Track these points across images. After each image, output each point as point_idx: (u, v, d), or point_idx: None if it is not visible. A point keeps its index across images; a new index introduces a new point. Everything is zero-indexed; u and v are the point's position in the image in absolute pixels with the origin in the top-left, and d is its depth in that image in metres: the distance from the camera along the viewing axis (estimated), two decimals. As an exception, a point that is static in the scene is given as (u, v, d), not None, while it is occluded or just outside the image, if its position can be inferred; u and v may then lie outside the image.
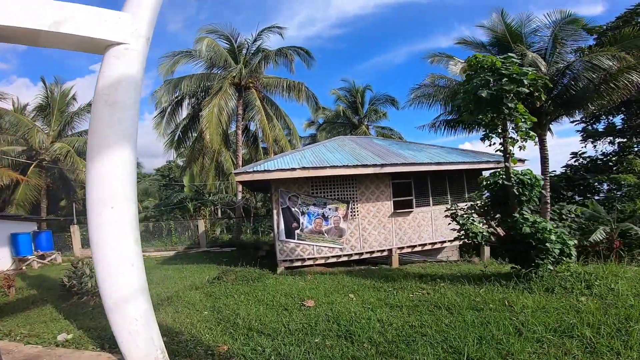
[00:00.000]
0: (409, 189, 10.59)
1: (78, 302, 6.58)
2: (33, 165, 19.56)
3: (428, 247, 10.78)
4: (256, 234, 20.11)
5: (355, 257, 10.07)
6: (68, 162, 19.90)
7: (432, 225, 10.77)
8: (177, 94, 18.75)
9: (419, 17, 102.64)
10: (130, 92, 3.34)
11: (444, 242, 10.95)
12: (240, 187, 18.63)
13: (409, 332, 4.26)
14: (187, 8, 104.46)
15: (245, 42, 19.32)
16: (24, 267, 12.95)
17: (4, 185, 17.99)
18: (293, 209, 9.54)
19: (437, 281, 6.82)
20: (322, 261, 9.82)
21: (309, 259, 9.68)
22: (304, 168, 9.08)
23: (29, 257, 13.27)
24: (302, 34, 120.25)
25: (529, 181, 6.42)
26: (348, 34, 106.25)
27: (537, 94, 6.48)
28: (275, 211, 9.57)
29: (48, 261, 13.88)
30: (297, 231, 9.54)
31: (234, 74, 17.68)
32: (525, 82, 6.04)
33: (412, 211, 10.47)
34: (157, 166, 37.44)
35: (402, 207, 10.41)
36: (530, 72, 6.12)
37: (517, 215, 6.25)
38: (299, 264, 9.64)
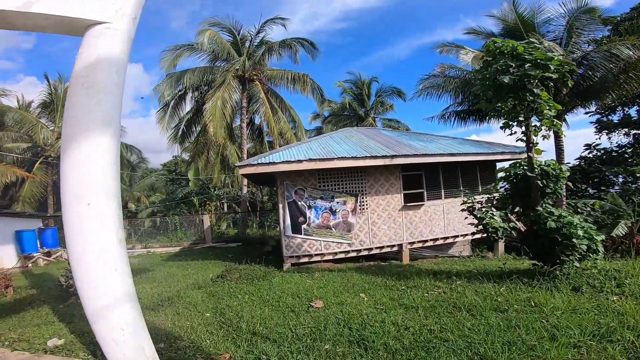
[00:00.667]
0: (420, 181, 10.17)
1: (76, 303, 6.24)
2: (38, 162, 19.49)
3: (440, 241, 10.38)
4: (262, 229, 19.85)
5: (365, 253, 9.71)
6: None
7: (444, 219, 10.35)
8: (179, 88, 18.52)
9: (423, 10, 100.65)
10: (110, 74, 2.96)
11: (457, 236, 10.54)
12: (245, 181, 18.39)
13: (428, 337, 3.90)
14: (191, 4, 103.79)
15: (249, 35, 19.00)
16: (29, 265, 12.84)
17: (9, 182, 17.94)
18: (299, 203, 9.19)
19: (452, 279, 6.44)
20: (330, 257, 9.49)
21: (316, 254, 9.35)
22: (310, 160, 8.70)
23: (35, 255, 13.13)
24: (305, 28, 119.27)
25: (553, 172, 5.96)
26: (352, 27, 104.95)
27: (564, 79, 6.01)
28: (280, 205, 9.23)
29: (54, 258, 13.74)
30: (304, 226, 9.20)
31: (238, 67, 17.42)
32: (552, 67, 5.60)
33: (423, 204, 10.05)
34: (163, 161, 37.42)
35: (412, 200, 10.00)
36: (555, 58, 5.67)
37: (541, 209, 5.81)
38: (305, 260, 9.31)
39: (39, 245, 13.47)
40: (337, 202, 9.44)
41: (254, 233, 18.36)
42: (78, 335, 4.37)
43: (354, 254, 9.63)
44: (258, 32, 18.83)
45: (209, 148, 19.38)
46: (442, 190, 10.43)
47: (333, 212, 9.40)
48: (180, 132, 19.68)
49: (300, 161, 8.65)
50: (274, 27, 19.03)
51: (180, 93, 18.89)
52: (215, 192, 24.22)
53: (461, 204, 6.74)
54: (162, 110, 18.90)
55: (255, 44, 19.18)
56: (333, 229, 9.38)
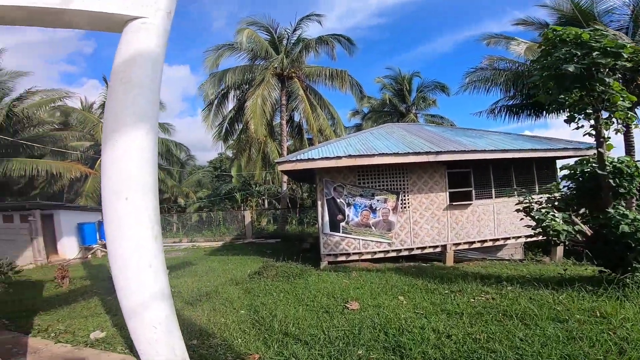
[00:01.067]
0: (468, 179, 9.49)
1: None
2: (99, 159, 21.19)
3: (489, 243, 9.64)
4: (301, 225, 19.95)
5: (405, 253, 9.28)
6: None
7: (494, 219, 9.58)
8: (222, 87, 19.12)
9: (463, 3, 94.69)
10: (147, 68, 2.95)
11: (508, 238, 9.72)
12: (285, 178, 18.57)
13: (472, 346, 3.55)
14: (229, 4, 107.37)
15: (285, 33, 19.13)
16: (89, 256, 13.90)
17: (74, 178, 19.71)
18: (338, 200, 8.99)
19: (503, 284, 5.89)
20: (369, 256, 9.19)
21: (354, 253, 9.10)
22: (350, 156, 8.46)
23: (94, 246, 14.17)
24: (342, 25, 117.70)
25: (627, 170, 5.19)
26: (389, 23, 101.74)
27: (638, 69, 5.23)
28: (319, 202, 9.09)
29: None
30: (342, 224, 8.99)
31: (276, 65, 17.62)
32: (625, 55, 4.89)
33: (470, 204, 9.38)
34: (209, 158, 39.14)
35: (459, 199, 9.37)
36: (627, 45, 4.95)
37: (612, 211, 5.07)
38: (343, 258, 9.11)
39: (97, 238, 14.44)
40: (378, 200, 9.11)
41: (293, 230, 18.50)
42: (119, 329, 4.49)
43: (393, 254, 9.24)
44: (294, 30, 18.90)
45: (250, 145, 19.82)
46: (493, 189, 9.65)
47: (373, 210, 9.08)
48: (223, 130, 20.32)
49: (339, 157, 8.44)
50: (309, 25, 19.08)
51: (223, 92, 19.48)
52: (257, 189, 24.80)
53: (516, 204, 6.16)
54: (207, 109, 19.67)
55: (292, 41, 19.26)
56: (373, 227, 9.07)
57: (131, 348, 3.72)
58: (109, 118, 2.94)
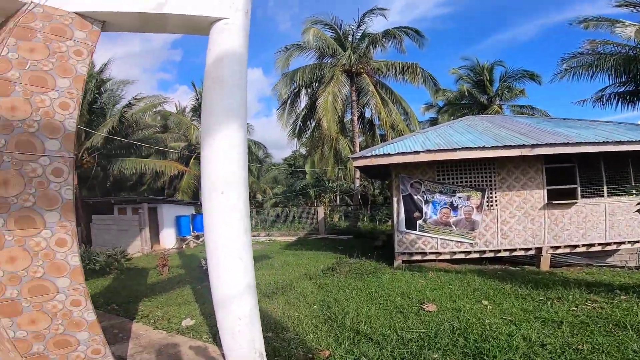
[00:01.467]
0: (571, 175, 8.20)
1: (209, 285, 6.98)
2: (193, 158, 23.66)
3: (597, 248, 8.21)
4: (373, 222, 19.61)
5: (490, 255, 8.42)
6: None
7: (605, 221, 8.12)
8: (294, 86, 19.74)
9: None
10: (233, 67, 3.11)
11: (622, 243, 8.17)
12: (357, 174, 18.46)
13: (572, 357, 3.09)
14: (292, 7, 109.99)
15: (350, 29, 19.08)
16: (183, 246, 15.43)
17: (173, 175, 22.41)
18: (415, 197, 8.55)
19: (615, 292, 5.03)
20: (447, 257, 8.57)
21: (431, 253, 8.58)
22: (429, 151, 7.96)
23: (188, 237, 15.60)
24: (404, 18, 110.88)
25: None
26: (457, 12, 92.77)
27: None
28: (395, 199, 8.76)
29: (201, 241, 16.01)
30: (420, 222, 8.53)
31: (344, 61, 17.66)
32: None
33: (575, 203, 8.08)
34: (284, 156, 40.99)
35: (560, 197, 8.16)
36: None
37: None
38: (418, 257, 8.65)
39: (191, 229, 15.88)
40: (460, 198, 8.42)
41: (364, 226, 18.30)
42: (206, 317, 4.76)
43: (476, 255, 8.46)
44: (359, 26, 18.72)
45: (323, 142, 20.14)
46: (605, 187, 8.17)
47: (454, 208, 8.44)
48: (297, 128, 21.01)
49: (416, 152, 8.01)
50: (373, 19, 18.75)
51: (295, 91, 20.12)
52: (329, 185, 25.13)
53: (636, 205, 5.10)
54: (281, 109, 20.54)
55: (358, 37, 19.11)
56: (453, 226, 8.43)
57: (214, 337, 3.97)
58: (206, 116, 3.13)
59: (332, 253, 10.62)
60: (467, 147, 7.89)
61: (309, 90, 20.32)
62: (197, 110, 25.61)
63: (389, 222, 18.85)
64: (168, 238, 15.40)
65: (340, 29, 18.91)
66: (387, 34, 17.99)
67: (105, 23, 3.02)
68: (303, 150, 30.11)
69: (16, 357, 2.65)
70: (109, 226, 14.65)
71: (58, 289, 2.71)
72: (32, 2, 2.70)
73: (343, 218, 21.99)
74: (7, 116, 2.47)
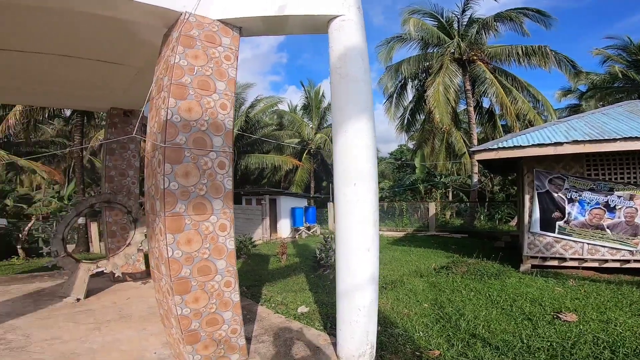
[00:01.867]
0: None
1: (322, 275, 6.98)
2: (305, 153, 25.47)
3: None
4: (492, 222, 17.65)
5: (658, 268, 6.66)
6: (326, 149, 24.73)
7: None
8: (399, 79, 19.27)
9: None
10: (357, 62, 3.19)
11: None
12: (475, 169, 16.91)
13: None
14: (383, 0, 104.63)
15: (454, 15, 17.65)
16: (296, 236, 16.56)
17: (288, 169, 24.55)
18: (555, 195, 7.35)
19: None
20: (596, 264, 7.12)
21: (572, 259, 7.25)
22: (576, 142, 6.72)
23: (300, 228, 16.74)
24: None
25: None
26: None
27: None
28: (527, 196, 7.70)
29: (311, 232, 17.19)
30: (560, 223, 7.30)
31: (452, 50, 16.52)
32: None
33: None
34: (390, 150, 40.27)
35: None
36: None
37: None
38: (554, 263, 7.42)
39: (304, 221, 17.02)
40: (618, 197, 6.89)
41: (481, 225, 16.63)
42: (319, 306, 4.97)
43: (636, 265, 6.80)
44: (463, 11, 17.13)
45: (434, 135, 19.17)
46: None
47: (610, 209, 6.95)
48: (405, 121, 20.42)
49: (559, 144, 6.85)
50: (480, 3, 17.25)
51: (400, 83, 19.55)
52: (442, 180, 23.64)
53: None
54: (387, 102, 20.21)
55: (464, 23, 17.48)
56: (607, 230, 6.95)
57: (325, 325, 4.16)
58: (335, 111, 3.24)
59: (444, 252, 10.00)
60: (631, 137, 6.37)
61: (415, 82, 19.64)
62: (306, 108, 27.41)
63: (512, 222, 16.69)
64: (284, 228, 16.86)
65: (442, 17, 17.70)
66: (500, 17, 16.12)
67: (241, 29, 3.35)
68: (410, 144, 29.05)
69: (176, 333, 2.99)
70: (237, 215, 16.79)
71: (217, 270, 3.04)
72: (186, 12, 3.02)
73: (454, 215, 20.50)
74: (185, 117, 2.94)
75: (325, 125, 27.12)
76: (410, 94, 20.09)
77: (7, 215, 13.71)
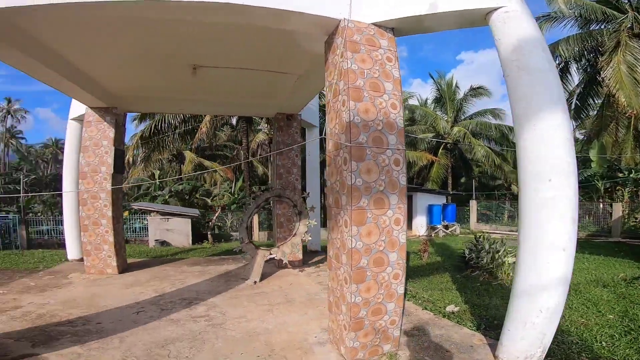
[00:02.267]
0: None
1: (469, 275, 6.70)
2: (441, 148, 24.10)
3: None
4: None
5: None
6: (465, 143, 22.81)
7: None
8: (557, 61, 16.30)
9: None
10: (538, 53, 3.02)
11: None
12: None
13: None
14: None
15: None
16: (433, 234, 15.71)
17: (423, 165, 23.66)
18: None
19: None
20: None
21: None
22: None
23: (438, 226, 15.87)
24: None
25: None
26: None
27: None
28: None
29: (450, 231, 16.01)
30: None
31: (628, 24, 13.58)
32: None
33: None
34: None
35: None
36: None
37: None
38: None
39: (441, 219, 16.12)
40: None
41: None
42: (470, 306, 4.77)
43: None
44: None
45: (617, 122, 15.47)
46: None
47: None
48: (572, 107, 17.01)
49: None
50: None
51: (560, 66, 16.56)
52: (631, 176, 18.46)
53: None
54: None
55: None
56: None
57: (478, 326, 3.99)
58: (518, 104, 3.04)
59: (634, 262, 7.96)
60: None
61: (582, 62, 16.56)
62: (439, 100, 25.71)
63: None
64: (420, 225, 16.38)
65: (607, -11, 14.16)
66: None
67: (394, 30, 3.48)
68: (579, 134, 23.76)
69: (344, 319, 3.16)
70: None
71: (389, 262, 3.18)
72: (344, 19, 3.18)
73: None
74: (364, 117, 3.18)
75: (462, 117, 24.99)
76: (575, 77, 17.12)
77: (197, 207, 17.41)
